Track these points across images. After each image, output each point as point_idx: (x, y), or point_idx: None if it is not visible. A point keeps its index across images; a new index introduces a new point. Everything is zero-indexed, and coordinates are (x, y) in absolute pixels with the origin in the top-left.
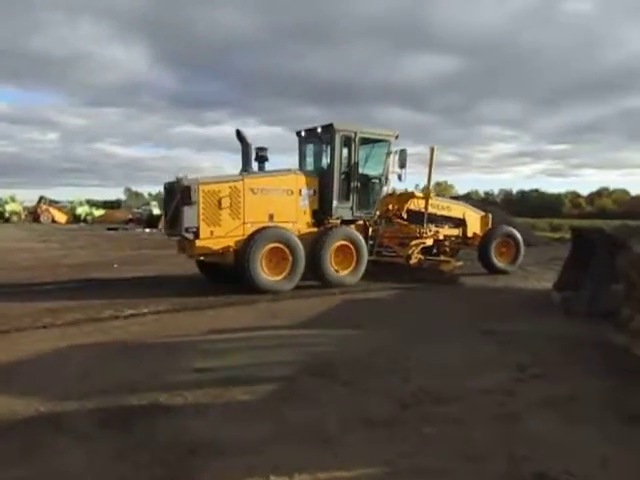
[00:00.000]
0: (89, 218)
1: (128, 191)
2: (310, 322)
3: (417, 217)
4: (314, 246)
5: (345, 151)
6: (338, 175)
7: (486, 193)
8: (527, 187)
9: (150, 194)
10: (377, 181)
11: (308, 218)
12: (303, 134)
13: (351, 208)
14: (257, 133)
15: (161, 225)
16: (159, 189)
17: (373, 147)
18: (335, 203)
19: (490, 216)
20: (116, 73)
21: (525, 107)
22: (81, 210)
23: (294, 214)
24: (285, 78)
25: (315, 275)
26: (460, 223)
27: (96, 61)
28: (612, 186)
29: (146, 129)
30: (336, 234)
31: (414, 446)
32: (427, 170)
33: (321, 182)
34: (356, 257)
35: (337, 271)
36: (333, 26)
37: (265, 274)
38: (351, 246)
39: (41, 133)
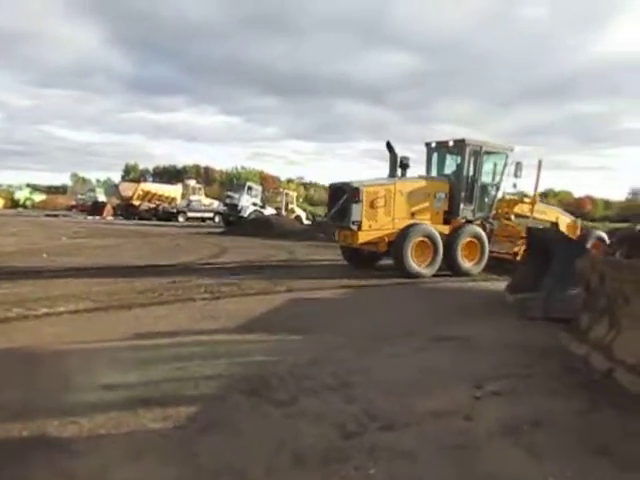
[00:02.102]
0: (29, 203)
1: (75, 176)
2: (250, 325)
3: (520, 219)
4: (448, 241)
5: (471, 161)
6: (465, 182)
7: None
8: None
9: (98, 180)
10: (493, 187)
11: (440, 217)
12: (433, 145)
13: (473, 210)
14: (215, 122)
15: (106, 213)
16: (108, 175)
17: (492, 158)
18: (462, 205)
19: (579, 221)
20: (67, 53)
21: (480, 107)
22: (20, 195)
23: (430, 213)
24: (245, 68)
25: (448, 265)
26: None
27: (46, 39)
28: (558, 187)
29: (97, 113)
30: (466, 231)
31: None
32: (535, 179)
33: (451, 187)
34: (480, 251)
35: (466, 262)
36: (295, 17)
37: (414, 262)
38: (477, 242)
39: None
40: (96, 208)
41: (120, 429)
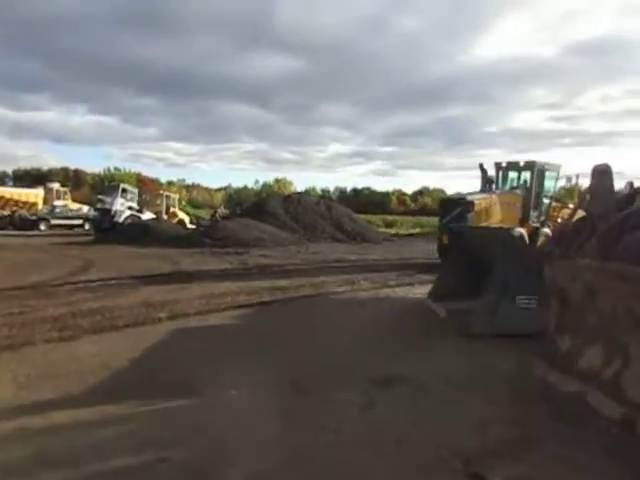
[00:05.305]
0: None
1: None
2: (112, 387)
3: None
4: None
5: (538, 177)
6: (534, 194)
7: (323, 190)
8: (359, 185)
9: None
10: (548, 197)
11: (517, 222)
12: (504, 164)
13: (537, 216)
14: (86, 122)
15: None
16: None
17: (549, 174)
18: (532, 213)
19: None
20: None
21: (360, 110)
22: None
23: (512, 219)
24: (119, 65)
25: None
26: None
27: None
28: (431, 186)
29: None
30: (542, 233)
31: None
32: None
33: (524, 198)
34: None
35: None
36: (173, 15)
37: None
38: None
39: None
40: None
41: None
